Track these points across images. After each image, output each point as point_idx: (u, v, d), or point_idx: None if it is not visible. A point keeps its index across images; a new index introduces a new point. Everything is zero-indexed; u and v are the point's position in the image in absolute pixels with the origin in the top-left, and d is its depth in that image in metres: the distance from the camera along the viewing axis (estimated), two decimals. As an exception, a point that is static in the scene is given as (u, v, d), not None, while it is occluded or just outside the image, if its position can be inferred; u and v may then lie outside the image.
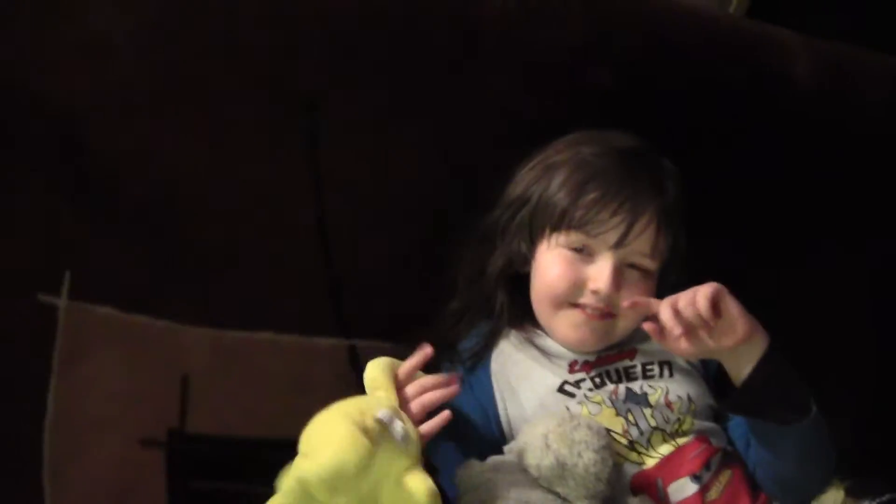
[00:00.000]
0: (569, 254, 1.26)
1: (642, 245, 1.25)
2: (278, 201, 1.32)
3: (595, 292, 1.24)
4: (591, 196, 1.24)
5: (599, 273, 1.24)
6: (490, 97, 1.38)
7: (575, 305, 1.26)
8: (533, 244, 1.29)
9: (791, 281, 1.52)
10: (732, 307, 1.17)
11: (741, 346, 1.18)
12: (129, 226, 1.25)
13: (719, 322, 1.17)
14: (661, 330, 1.18)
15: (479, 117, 1.38)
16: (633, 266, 1.26)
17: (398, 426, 1.05)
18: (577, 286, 1.25)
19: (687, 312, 1.16)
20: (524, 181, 1.31)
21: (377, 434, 1.02)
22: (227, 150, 1.29)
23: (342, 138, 1.34)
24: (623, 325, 1.27)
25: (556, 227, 1.26)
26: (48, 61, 1.21)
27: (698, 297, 1.16)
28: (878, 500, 1.20)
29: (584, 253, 1.26)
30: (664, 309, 1.18)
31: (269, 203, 1.31)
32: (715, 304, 1.16)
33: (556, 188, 1.27)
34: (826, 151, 1.54)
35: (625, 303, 1.23)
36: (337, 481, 0.98)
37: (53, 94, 1.22)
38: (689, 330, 1.17)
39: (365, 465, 0.99)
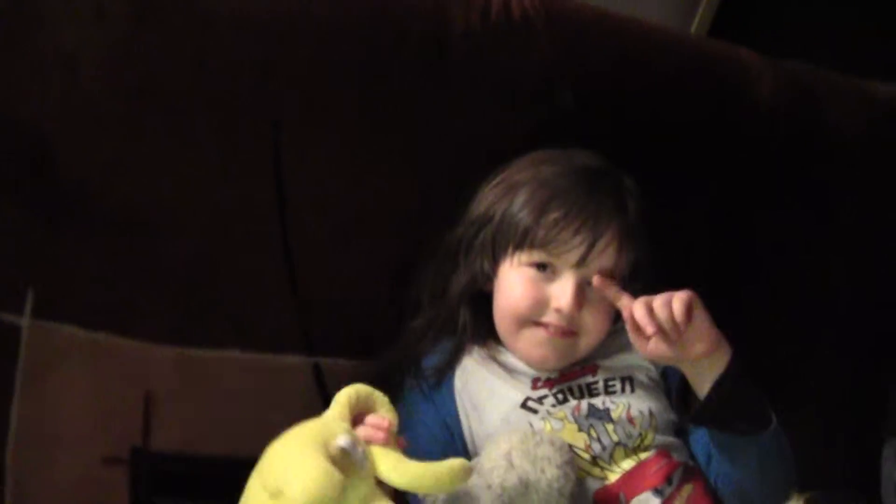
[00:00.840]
0: (531, 272, 1.27)
1: (604, 263, 1.26)
2: (245, 219, 1.31)
3: (558, 310, 1.25)
4: (553, 215, 1.25)
5: (562, 291, 1.25)
6: (458, 115, 1.39)
7: (537, 324, 1.27)
8: (496, 262, 1.30)
9: (754, 296, 1.54)
10: (703, 316, 1.19)
11: (706, 357, 1.20)
12: (94, 243, 1.25)
13: (689, 329, 1.18)
14: (634, 326, 1.19)
15: (448, 135, 1.39)
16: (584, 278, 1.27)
17: (359, 452, 1.05)
18: (540, 305, 1.26)
19: (661, 313, 1.18)
20: (486, 200, 1.32)
21: (342, 462, 1.02)
22: (194, 167, 1.29)
23: (308, 156, 1.34)
24: (585, 343, 1.28)
25: (518, 246, 1.27)
26: (15, 78, 1.21)
27: (675, 300, 1.17)
28: None
29: (546, 271, 1.27)
30: (638, 307, 1.19)
31: (237, 220, 1.31)
32: (689, 310, 1.17)
33: (519, 207, 1.28)
34: (789, 172, 1.55)
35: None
36: None
37: (20, 111, 1.21)
38: (660, 332, 1.19)
39: (339, 499, 0.98)
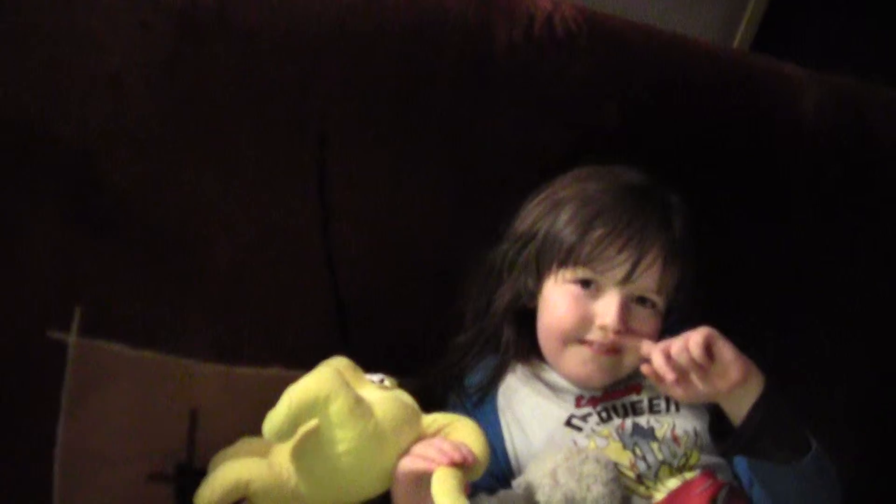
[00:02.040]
0: (576, 289, 1.26)
1: (649, 281, 1.25)
2: (288, 233, 1.32)
3: (602, 328, 1.25)
4: (598, 233, 1.25)
5: (606, 309, 1.25)
6: (499, 129, 1.39)
7: (582, 342, 1.26)
8: (539, 279, 1.30)
9: (796, 310, 1.53)
10: (726, 351, 1.18)
11: (737, 389, 1.19)
12: (138, 259, 1.25)
13: (713, 366, 1.17)
14: (657, 374, 1.19)
15: (489, 149, 1.39)
16: (639, 301, 1.26)
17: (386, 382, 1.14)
18: (585, 322, 1.26)
19: (680, 359, 1.17)
20: (531, 216, 1.31)
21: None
22: (238, 182, 1.29)
23: (352, 171, 1.34)
24: (629, 361, 1.27)
25: (563, 263, 1.26)
26: (62, 96, 1.22)
27: (690, 342, 1.17)
28: None
29: (591, 288, 1.26)
30: (656, 356, 1.19)
31: (280, 235, 1.31)
32: (708, 348, 1.17)
33: (563, 224, 1.27)
34: (833, 186, 1.54)
35: (622, 337, 1.24)
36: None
37: (67, 129, 1.22)
38: (683, 375, 1.18)
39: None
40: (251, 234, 1.31)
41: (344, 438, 1.08)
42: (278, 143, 1.31)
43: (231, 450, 1.19)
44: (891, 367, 1.58)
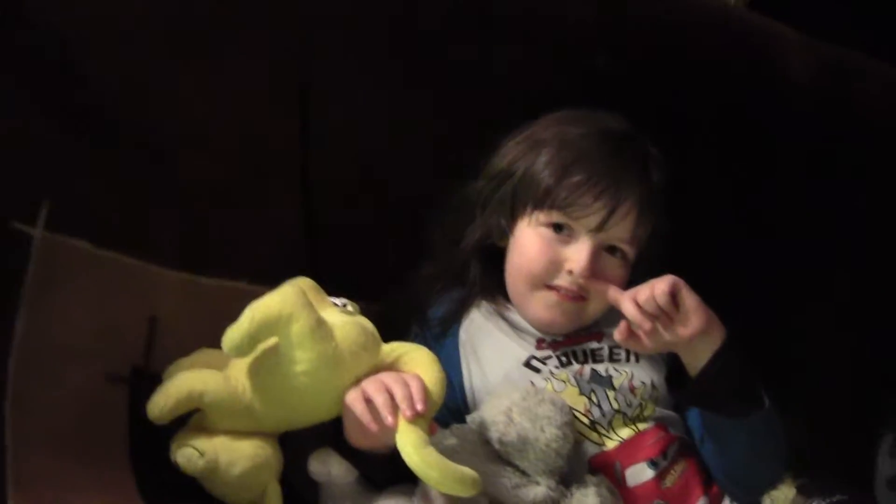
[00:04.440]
0: (548, 233, 1.26)
1: (622, 231, 1.25)
2: (267, 149, 1.31)
3: (570, 273, 1.24)
4: (576, 178, 1.24)
5: (577, 254, 1.24)
6: (493, 67, 1.38)
7: (549, 287, 1.26)
8: (513, 219, 1.29)
9: (765, 273, 1.53)
10: (689, 299, 1.18)
11: (697, 339, 1.19)
12: (113, 159, 1.23)
13: (678, 314, 1.18)
14: (628, 329, 1.19)
15: (480, 86, 1.38)
16: (610, 250, 1.26)
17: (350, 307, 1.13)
18: (555, 266, 1.26)
19: (648, 307, 1.17)
20: (509, 155, 1.30)
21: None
22: (219, 91, 1.28)
23: (337, 93, 1.33)
24: (593, 308, 1.27)
25: (537, 205, 1.26)
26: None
27: (657, 290, 1.17)
28: (828, 501, 1.21)
29: (563, 233, 1.26)
30: (628, 306, 1.18)
31: (259, 150, 1.30)
32: (673, 296, 1.17)
33: (542, 166, 1.26)
34: (817, 149, 1.55)
35: (589, 283, 1.24)
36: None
37: (52, 16, 1.20)
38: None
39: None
40: (227, 145, 1.29)
41: (302, 359, 1.08)
42: (263, 57, 1.30)
43: (188, 360, 1.18)
44: (860, 331, 1.60)
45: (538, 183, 1.26)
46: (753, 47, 1.51)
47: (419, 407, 1.05)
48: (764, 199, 1.53)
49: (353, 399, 1.08)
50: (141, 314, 1.23)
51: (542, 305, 1.27)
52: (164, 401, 1.10)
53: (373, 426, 1.06)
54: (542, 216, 1.26)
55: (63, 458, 1.10)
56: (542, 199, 1.25)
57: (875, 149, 1.59)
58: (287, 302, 1.07)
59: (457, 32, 1.37)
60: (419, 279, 1.34)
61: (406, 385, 1.07)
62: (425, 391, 1.08)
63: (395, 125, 1.36)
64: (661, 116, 1.33)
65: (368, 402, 1.07)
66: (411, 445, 1.04)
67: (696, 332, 1.18)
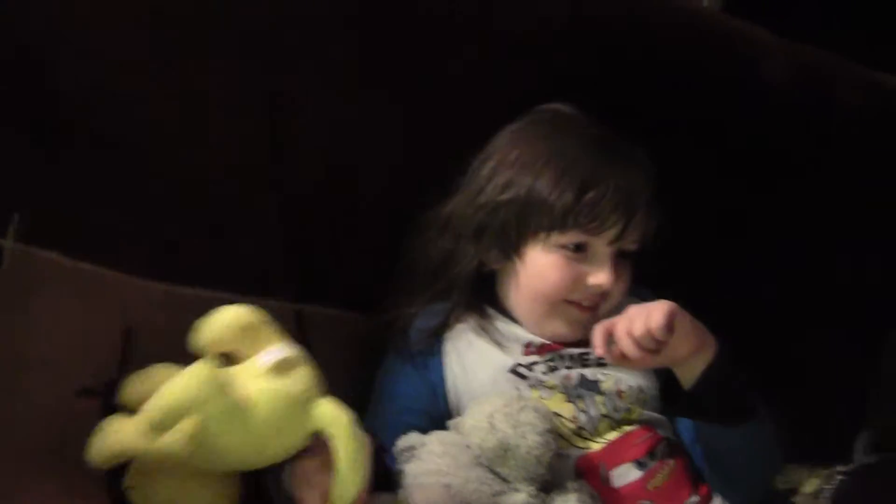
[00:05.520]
0: (568, 253, 1.24)
1: (634, 235, 1.25)
2: (237, 158, 1.29)
3: (597, 288, 1.24)
4: (591, 195, 1.22)
5: (601, 269, 1.24)
6: (463, 70, 1.37)
7: (569, 302, 1.26)
8: (518, 244, 1.26)
9: (749, 272, 1.53)
10: (684, 324, 1.17)
11: (691, 357, 1.19)
12: (82, 171, 1.21)
13: (672, 339, 1.16)
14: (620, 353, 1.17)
15: (449, 89, 1.37)
16: (621, 253, 1.26)
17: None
18: (577, 284, 1.25)
19: (644, 342, 1.15)
20: (499, 179, 1.27)
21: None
22: (188, 100, 1.26)
23: (306, 99, 1.32)
24: (604, 311, 1.26)
25: (554, 228, 1.24)
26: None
27: (653, 324, 1.14)
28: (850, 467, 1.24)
29: (581, 250, 1.24)
30: (624, 340, 1.16)
31: (231, 157, 1.28)
32: (670, 326, 1.15)
33: (548, 187, 1.24)
34: (793, 150, 1.55)
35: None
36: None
37: (16, 20, 1.18)
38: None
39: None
40: (199, 155, 1.27)
41: (221, 440, 1.03)
42: (231, 64, 1.28)
43: (140, 378, 1.14)
44: (840, 322, 1.60)
45: (551, 205, 1.23)
46: (727, 49, 1.51)
47: None
48: (736, 200, 1.52)
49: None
50: (116, 326, 1.21)
51: (563, 322, 1.26)
52: (96, 455, 1.08)
53: None
54: (560, 238, 1.24)
55: (32, 474, 1.09)
56: (559, 222, 1.23)
57: (849, 150, 1.59)
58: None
59: (427, 34, 1.35)
60: (403, 295, 1.32)
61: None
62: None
63: (363, 129, 1.34)
64: (631, 118, 1.32)
65: None
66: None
67: (689, 354, 1.18)
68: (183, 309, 1.22)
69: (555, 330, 1.27)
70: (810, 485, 1.25)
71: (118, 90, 1.22)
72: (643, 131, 1.30)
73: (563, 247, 1.24)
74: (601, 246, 1.24)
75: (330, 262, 1.34)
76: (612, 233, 1.23)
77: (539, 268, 1.26)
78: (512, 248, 1.27)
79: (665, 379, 1.26)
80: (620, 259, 1.26)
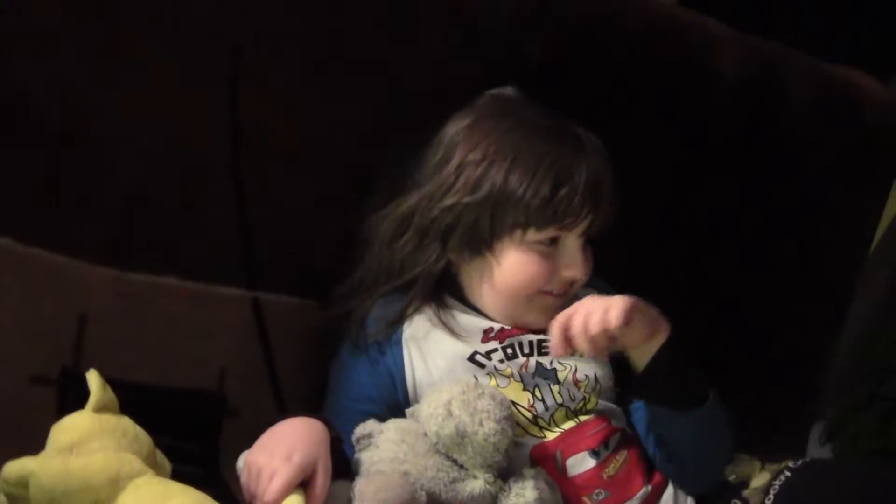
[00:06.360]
0: (543, 248, 1.25)
1: (600, 222, 1.26)
2: (196, 144, 1.28)
3: (571, 277, 1.25)
4: (563, 191, 1.22)
5: (573, 260, 1.25)
6: (421, 57, 1.36)
7: (544, 292, 1.26)
8: (491, 241, 1.25)
9: (701, 264, 1.55)
10: (640, 317, 1.17)
11: (645, 343, 1.20)
12: (35, 156, 1.21)
13: (629, 328, 1.16)
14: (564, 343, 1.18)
15: (408, 76, 1.36)
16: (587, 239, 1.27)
17: None
18: (552, 275, 1.25)
19: (599, 339, 1.15)
20: (467, 179, 1.25)
21: None
22: (145, 89, 1.25)
23: (266, 88, 1.31)
24: (570, 295, 1.27)
25: (529, 225, 1.23)
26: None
27: (611, 322, 1.14)
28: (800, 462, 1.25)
29: (553, 244, 1.25)
30: (580, 338, 1.15)
31: (187, 145, 1.27)
32: (628, 318, 1.15)
33: (519, 184, 1.22)
34: (744, 144, 1.56)
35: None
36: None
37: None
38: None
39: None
40: (155, 144, 1.26)
41: None
42: (190, 53, 1.27)
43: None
44: (791, 317, 1.61)
45: (526, 203, 1.22)
46: (684, 42, 1.52)
47: None
48: (693, 194, 1.53)
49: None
50: (69, 313, 1.20)
51: (537, 312, 1.26)
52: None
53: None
54: (535, 234, 1.24)
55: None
56: (535, 219, 1.23)
57: (804, 143, 1.60)
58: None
59: (380, 25, 1.35)
60: (360, 287, 1.30)
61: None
62: None
63: (323, 116, 1.33)
64: (590, 110, 1.32)
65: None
66: None
67: (643, 340, 1.19)
68: (136, 295, 1.22)
69: (528, 321, 1.27)
70: (761, 479, 1.26)
71: (74, 83, 1.21)
72: (596, 122, 1.30)
73: (539, 242, 1.25)
74: (572, 238, 1.25)
75: (288, 250, 1.33)
76: (583, 225, 1.24)
77: (514, 264, 1.25)
78: (485, 246, 1.26)
79: (618, 367, 1.27)
80: (586, 245, 1.27)
